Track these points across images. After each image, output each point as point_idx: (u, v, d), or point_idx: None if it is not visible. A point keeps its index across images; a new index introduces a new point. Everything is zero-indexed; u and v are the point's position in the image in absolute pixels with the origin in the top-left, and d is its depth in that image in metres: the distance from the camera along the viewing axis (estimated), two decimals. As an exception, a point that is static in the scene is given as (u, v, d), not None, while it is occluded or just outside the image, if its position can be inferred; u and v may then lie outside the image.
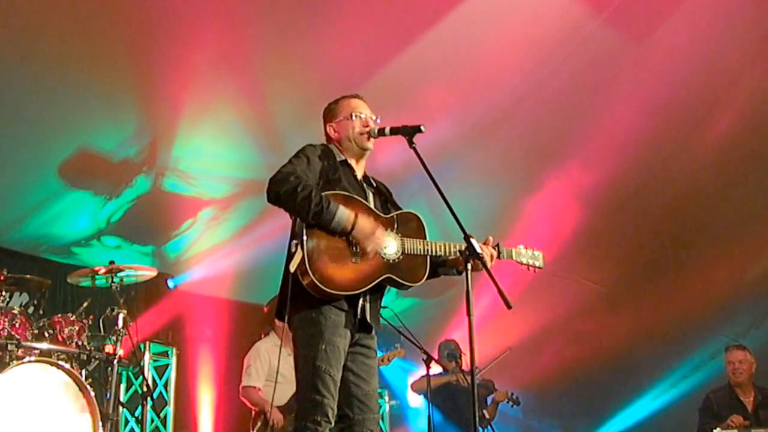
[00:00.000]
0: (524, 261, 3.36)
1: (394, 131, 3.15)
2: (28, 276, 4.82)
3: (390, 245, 3.02)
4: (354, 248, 2.94)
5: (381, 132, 3.19)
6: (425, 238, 3.11)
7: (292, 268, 2.89)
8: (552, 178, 6.92)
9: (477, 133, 6.37)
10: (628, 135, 6.59)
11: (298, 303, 2.93)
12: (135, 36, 5.17)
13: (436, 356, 6.67)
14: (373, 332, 3.12)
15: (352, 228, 2.89)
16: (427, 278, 3.11)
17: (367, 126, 3.22)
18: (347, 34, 5.44)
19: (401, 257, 3.03)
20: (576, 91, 6.22)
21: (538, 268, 3.40)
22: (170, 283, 7.09)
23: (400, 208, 3.22)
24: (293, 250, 2.91)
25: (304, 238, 2.87)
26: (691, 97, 6.28)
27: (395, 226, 3.08)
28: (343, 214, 2.89)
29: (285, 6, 5.29)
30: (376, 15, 5.39)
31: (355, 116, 3.23)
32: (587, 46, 5.78)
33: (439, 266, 3.20)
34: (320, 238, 2.90)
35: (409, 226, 3.12)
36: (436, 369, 6.20)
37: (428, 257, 3.10)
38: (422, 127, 3.06)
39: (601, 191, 7.06)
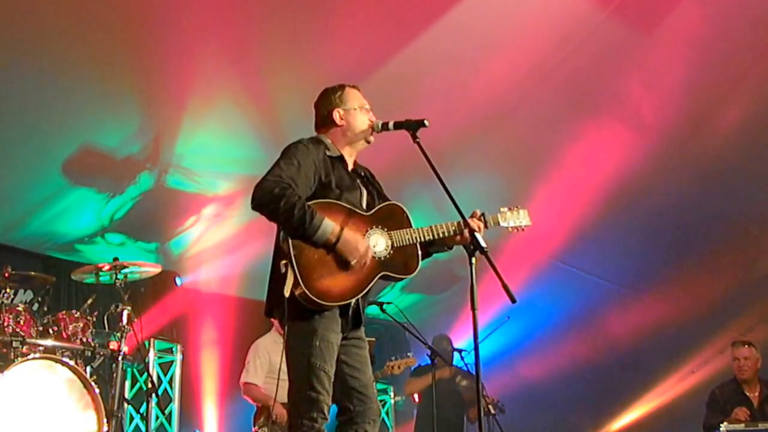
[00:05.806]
0: (511, 225, 3.29)
1: (398, 125, 3.12)
2: (33, 273, 4.84)
3: (379, 243, 3.01)
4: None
5: (384, 126, 3.16)
6: (411, 227, 3.10)
7: (287, 291, 2.84)
8: (558, 173, 6.88)
9: (481, 127, 6.35)
10: (636, 127, 6.55)
11: (290, 300, 2.90)
12: (138, 33, 5.17)
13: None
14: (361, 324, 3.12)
15: (337, 241, 2.87)
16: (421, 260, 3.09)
17: (372, 120, 3.20)
18: (351, 28, 5.42)
19: (392, 252, 3.02)
20: (583, 83, 6.18)
21: (526, 226, 3.32)
22: (178, 281, 7.06)
23: (388, 198, 3.20)
24: (282, 270, 2.87)
25: (292, 254, 2.83)
26: (700, 88, 6.23)
27: (380, 222, 3.05)
28: (327, 228, 2.85)
29: (289, 2, 5.27)
30: (380, 9, 5.38)
31: (364, 109, 3.21)
32: (594, 39, 5.74)
33: (430, 246, 3.17)
34: (309, 251, 2.86)
35: (394, 219, 3.10)
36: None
37: (418, 244, 3.08)
38: (426, 122, 3.03)
39: (609, 185, 7.02)
